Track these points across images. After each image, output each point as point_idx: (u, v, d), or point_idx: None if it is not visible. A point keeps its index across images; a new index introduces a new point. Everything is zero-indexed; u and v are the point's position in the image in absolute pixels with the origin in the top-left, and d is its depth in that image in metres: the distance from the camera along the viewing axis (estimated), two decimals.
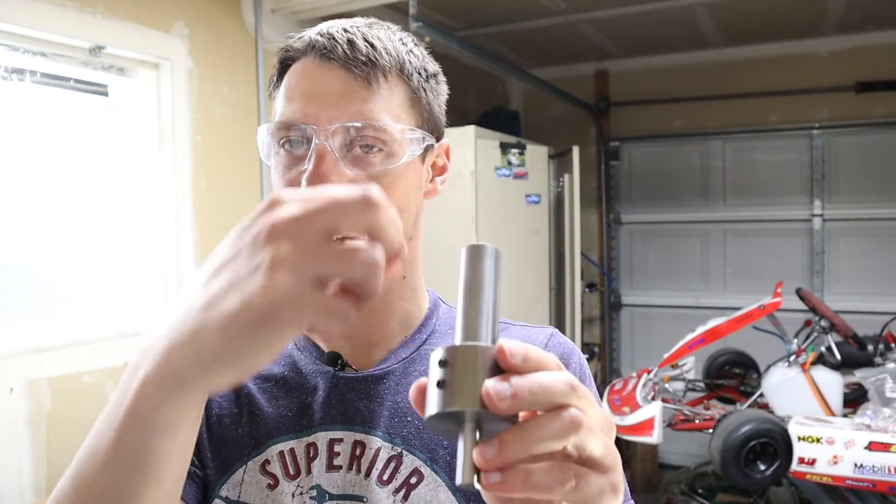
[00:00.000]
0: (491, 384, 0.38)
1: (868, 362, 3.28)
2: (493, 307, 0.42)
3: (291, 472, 0.70)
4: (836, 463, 2.69)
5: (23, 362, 2.16)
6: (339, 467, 0.70)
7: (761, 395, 3.32)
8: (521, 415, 0.39)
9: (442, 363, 0.39)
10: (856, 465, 2.66)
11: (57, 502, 0.49)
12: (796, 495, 3.37)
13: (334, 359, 0.75)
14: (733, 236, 4.71)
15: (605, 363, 5.01)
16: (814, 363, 3.22)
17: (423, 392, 0.41)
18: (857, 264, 4.38)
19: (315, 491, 0.70)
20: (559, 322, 3.96)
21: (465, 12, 3.75)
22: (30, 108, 2.28)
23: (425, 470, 0.70)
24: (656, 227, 4.94)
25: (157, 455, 0.46)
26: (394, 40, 0.72)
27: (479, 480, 0.38)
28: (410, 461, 0.70)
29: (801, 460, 2.76)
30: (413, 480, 0.70)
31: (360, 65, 0.68)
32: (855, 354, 3.34)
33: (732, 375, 3.69)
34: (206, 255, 2.75)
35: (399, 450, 0.71)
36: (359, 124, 0.67)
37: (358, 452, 0.71)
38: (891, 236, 4.28)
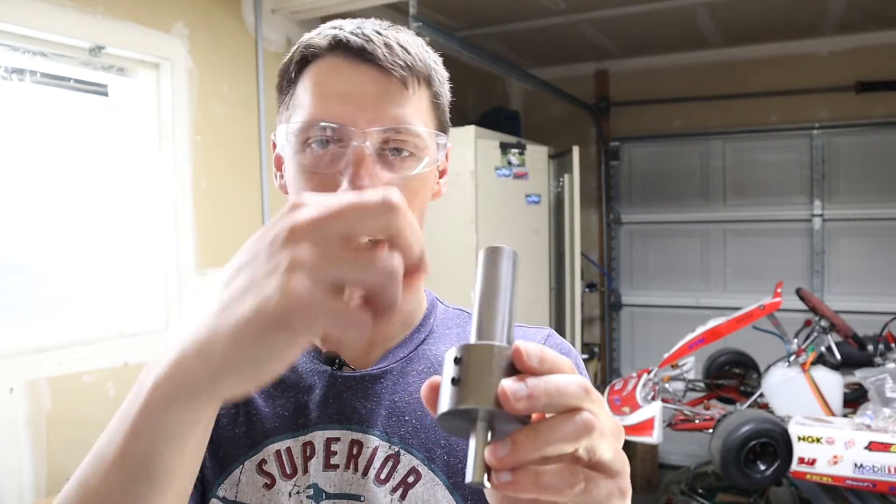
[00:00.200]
0: (508, 384, 0.38)
1: (868, 362, 3.28)
2: (510, 309, 0.43)
3: (288, 472, 0.71)
4: (836, 463, 2.69)
5: (23, 362, 2.17)
6: (336, 466, 0.70)
7: (761, 395, 3.32)
8: (532, 417, 0.40)
9: (457, 360, 0.39)
10: (856, 465, 2.66)
11: None
12: (796, 495, 3.37)
13: (332, 358, 0.75)
14: (733, 236, 4.71)
15: (604, 363, 5.01)
16: (814, 363, 3.22)
17: (434, 390, 0.41)
18: (857, 264, 4.38)
19: (312, 490, 0.70)
20: (559, 322, 3.96)
21: (465, 12, 3.75)
22: (30, 108, 2.28)
23: (423, 469, 0.70)
24: (656, 227, 4.93)
25: (164, 462, 0.45)
26: (419, 46, 0.73)
27: (488, 479, 0.38)
28: (408, 460, 0.70)
29: (801, 460, 2.76)
30: (410, 479, 0.70)
31: (399, 69, 0.68)
32: (855, 354, 3.34)
33: (732, 375, 3.69)
34: (205, 254, 2.75)
35: (396, 449, 0.71)
36: (397, 128, 0.68)
37: (355, 451, 0.71)
38: (891, 236, 4.28)
